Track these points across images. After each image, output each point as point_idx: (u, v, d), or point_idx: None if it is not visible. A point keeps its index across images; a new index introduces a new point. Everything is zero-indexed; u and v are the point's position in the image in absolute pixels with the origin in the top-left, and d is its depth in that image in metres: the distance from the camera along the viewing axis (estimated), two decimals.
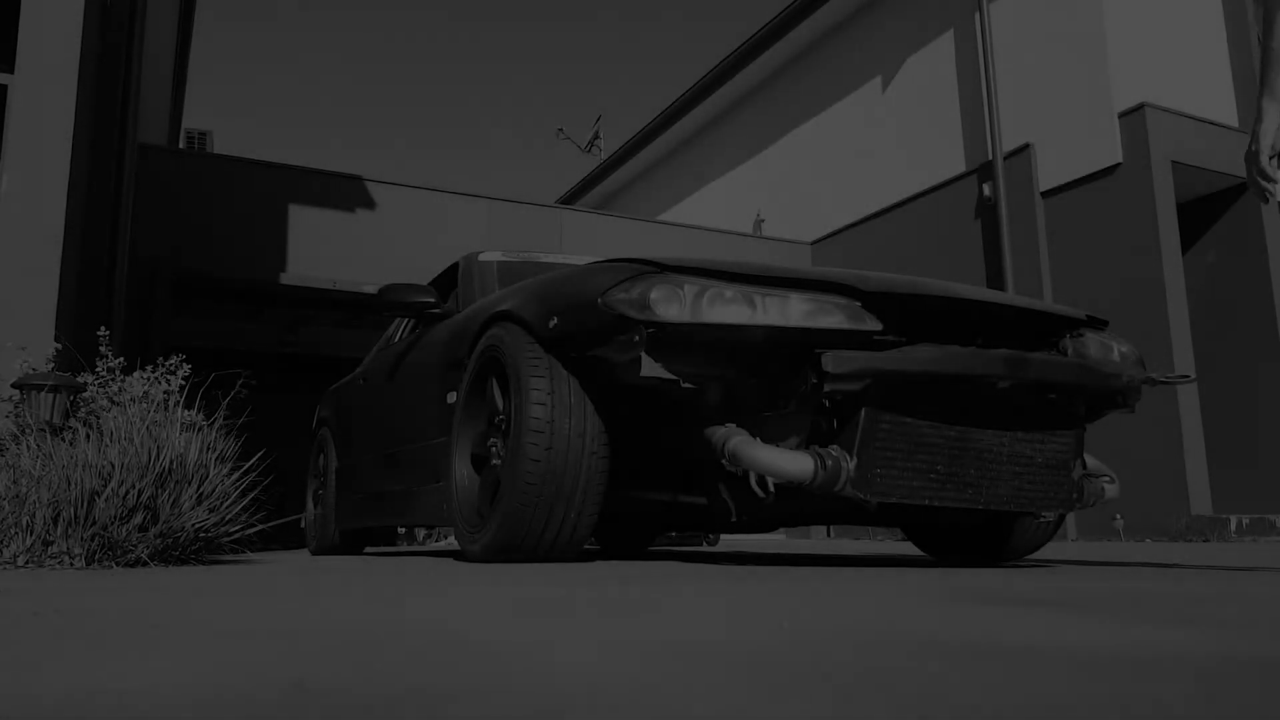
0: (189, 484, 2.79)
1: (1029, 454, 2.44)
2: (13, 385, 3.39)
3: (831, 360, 2.18)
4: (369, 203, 9.17)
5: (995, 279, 9.03)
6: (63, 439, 2.89)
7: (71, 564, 2.55)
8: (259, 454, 3.18)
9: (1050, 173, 8.80)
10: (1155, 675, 0.78)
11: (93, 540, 2.57)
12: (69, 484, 2.58)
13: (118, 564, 2.59)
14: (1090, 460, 2.76)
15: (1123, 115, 8.22)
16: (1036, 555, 3.73)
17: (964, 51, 9.80)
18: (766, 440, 2.37)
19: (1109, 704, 0.66)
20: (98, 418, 3.19)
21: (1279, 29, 2.31)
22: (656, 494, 2.88)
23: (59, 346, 3.83)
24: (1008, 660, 0.85)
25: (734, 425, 2.39)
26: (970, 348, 2.34)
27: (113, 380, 3.49)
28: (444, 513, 3.11)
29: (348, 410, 4.77)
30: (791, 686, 0.72)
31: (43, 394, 3.29)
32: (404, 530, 10.22)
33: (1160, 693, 0.70)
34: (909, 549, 5.18)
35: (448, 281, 4.14)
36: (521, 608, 1.33)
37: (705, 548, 7.52)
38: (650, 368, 2.29)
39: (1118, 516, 7.71)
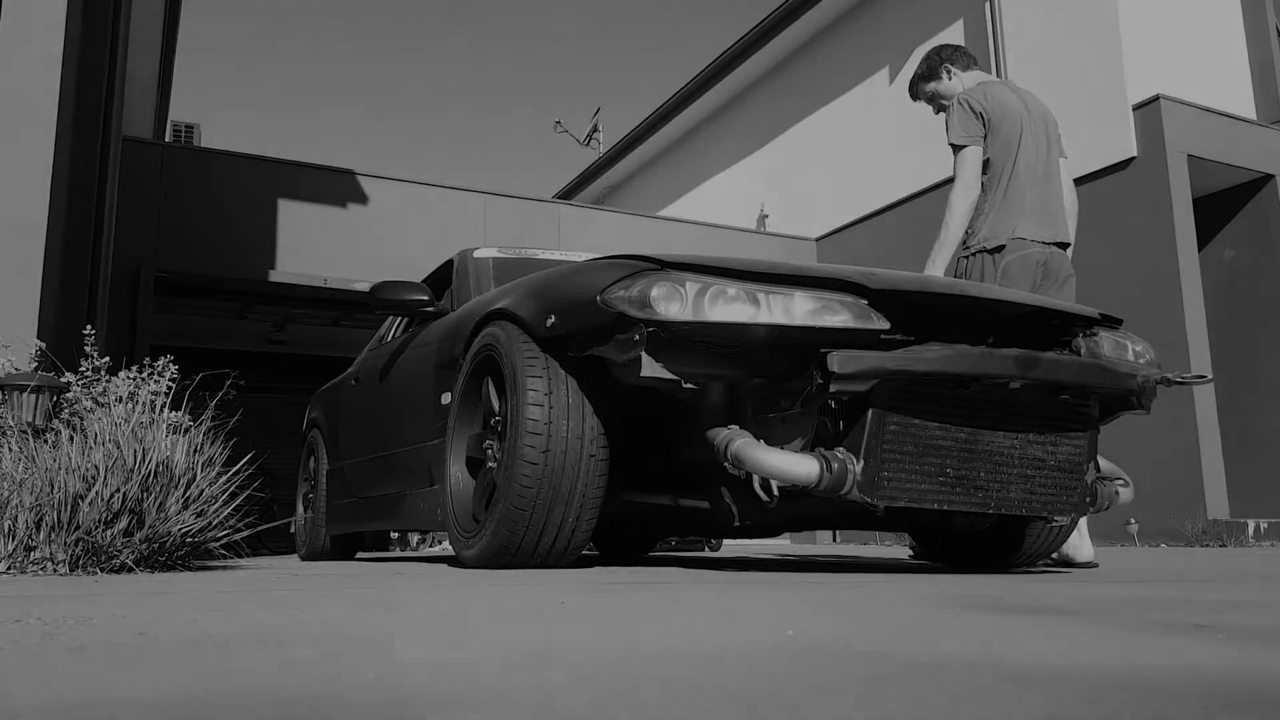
0: (175, 487, 2.79)
1: (1041, 456, 2.44)
2: None
3: (837, 360, 2.18)
4: (361, 198, 9.17)
5: None
6: (45, 441, 2.89)
7: (55, 570, 2.55)
8: (248, 456, 3.18)
9: None
10: (1167, 687, 0.78)
11: (76, 545, 2.57)
12: (52, 487, 2.57)
13: (102, 570, 2.59)
14: (1104, 463, 2.76)
15: (1137, 108, 8.22)
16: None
17: (974, 42, 9.79)
18: (770, 442, 2.37)
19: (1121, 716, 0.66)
20: (81, 419, 3.19)
21: (956, 209, 3.44)
22: (657, 498, 2.88)
23: (41, 345, 3.83)
24: (1018, 674, 0.85)
25: (737, 427, 2.39)
26: (980, 347, 2.34)
27: (97, 381, 3.49)
28: (438, 517, 3.12)
29: (339, 411, 4.77)
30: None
31: (25, 394, 3.29)
32: (397, 535, 10.22)
33: (1172, 707, 0.70)
34: None
35: (442, 279, 4.14)
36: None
37: (707, 553, 7.53)
38: (651, 368, 2.28)
39: (1132, 521, 7.71)
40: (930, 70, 3.74)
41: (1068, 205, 3.62)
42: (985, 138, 3.44)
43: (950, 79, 3.70)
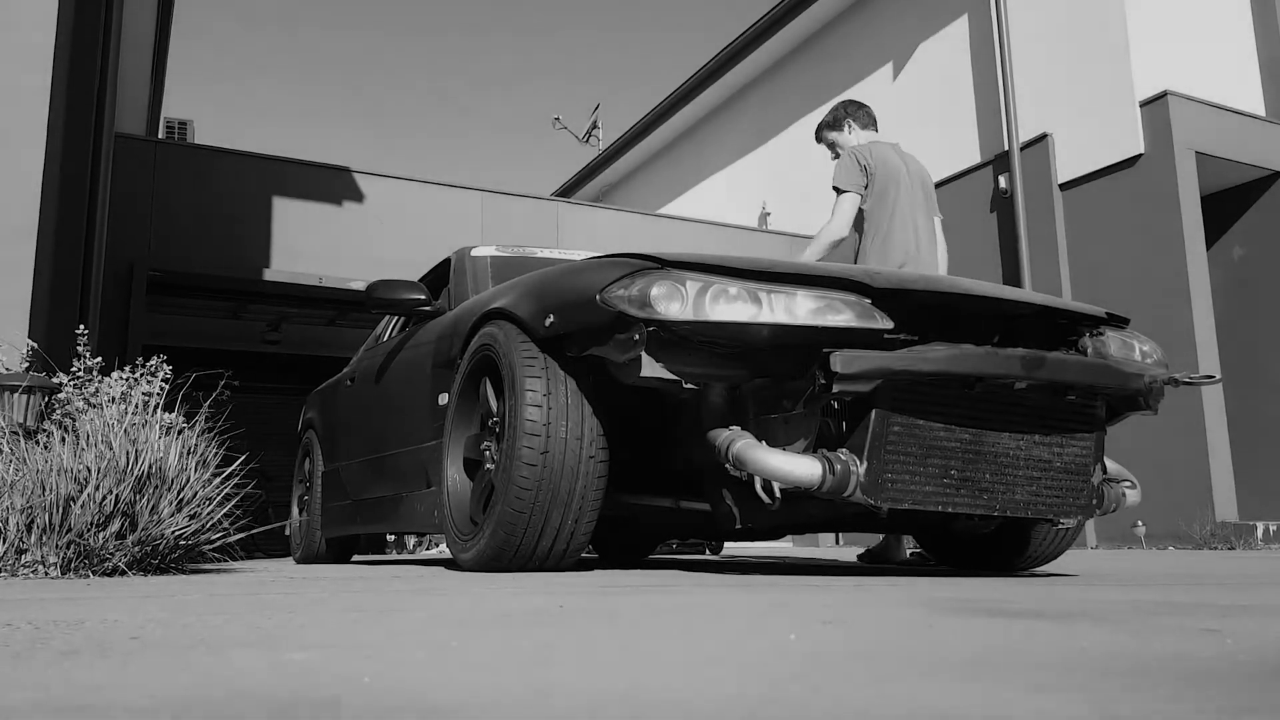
0: (168, 489, 2.79)
1: (1047, 458, 2.44)
2: None
3: (840, 360, 2.18)
4: (357, 195, 9.17)
5: (1011, 275, 9.03)
6: (37, 442, 2.89)
7: (46, 573, 2.55)
8: (242, 458, 3.18)
9: (1069, 164, 8.80)
10: (1174, 692, 0.78)
11: (68, 548, 2.57)
12: (43, 489, 2.57)
13: (94, 573, 2.59)
14: (1110, 464, 2.76)
15: (1144, 104, 8.22)
16: (1054, 564, 3.73)
17: (979, 37, 9.80)
18: (772, 444, 2.37)
19: None
20: (73, 420, 3.19)
21: (821, 241, 3.95)
22: (657, 500, 2.88)
23: (33, 345, 3.83)
24: (1023, 677, 0.85)
25: (738, 428, 2.39)
26: (985, 347, 2.34)
27: (90, 381, 3.49)
28: (435, 519, 3.12)
29: (334, 412, 4.77)
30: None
31: (16, 395, 3.29)
32: (393, 538, 10.22)
33: (1180, 711, 0.70)
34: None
35: (439, 278, 4.15)
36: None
37: (708, 555, 7.53)
38: (651, 368, 2.28)
39: (1139, 523, 7.71)
40: (836, 121, 4.35)
41: (939, 258, 4.17)
42: (866, 188, 4.00)
43: (849, 133, 4.30)
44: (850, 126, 4.30)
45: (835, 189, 4.04)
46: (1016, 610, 1.49)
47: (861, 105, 4.38)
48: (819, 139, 4.44)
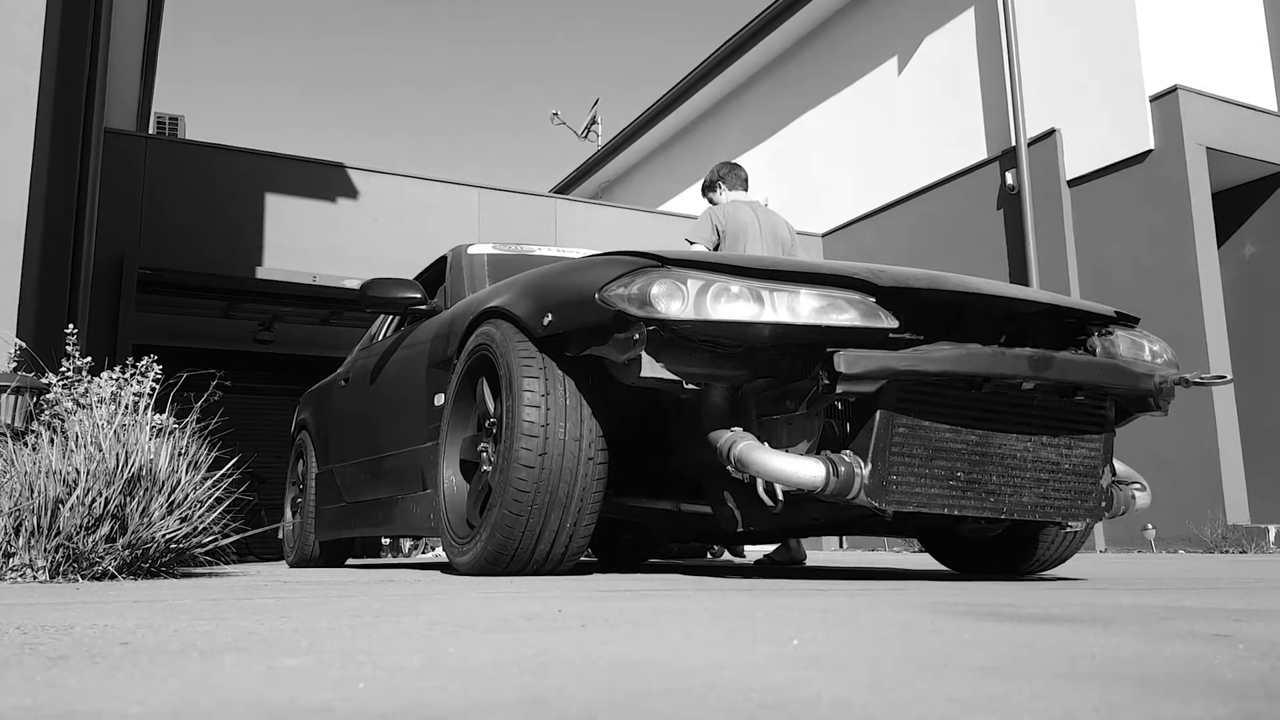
0: (159, 491, 2.78)
1: (1054, 460, 2.44)
2: None
3: (844, 360, 2.18)
4: (352, 192, 9.17)
5: (1019, 273, 9.03)
6: (25, 444, 2.89)
7: (34, 577, 2.55)
8: (234, 460, 3.18)
9: (1077, 160, 8.79)
10: (1187, 699, 0.78)
11: (57, 552, 2.57)
12: (31, 491, 2.57)
13: (84, 577, 2.59)
14: (1120, 466, 2.76)
15: (1154, 99, 8.22)
16: (1062, 567, 3.73)
17: (986, 31, 9.79)
18: (775, 445, 2.37)
19: None
20: (62, 421, 3.19)
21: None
22: (657, 502, 2.89)
23: (21, 344, 3.83)
24: (1030, 682, 0.85)
25: (740, 429, 2.39)
26: (992, 346, 2.34)
27: (79, 381, 3.48)
28: (431, 522, 3.12)
29: (328, 413, 4.77)
30: None
31: (4, 396, 3.29)
32: (389, 541, 10.22)
33: (1192, 719, 0.70)
34: (927, 560, 5.18)
35: (435, 276, 4.15)
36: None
37: (709, 559, 7.52)
38: (651, 368, 2.29)
39: (1149, 526, 7.71)
40: (712, 183, 5.10)
41: None
42: (717, 246, 4.71)
43: (719, 194, 5.05)
44: (721, 188, 5.04)
45: (687, 240, 4.81)
46: (1023, 615, 1.49)
47: (735, 168, 5.13)
48: (703, 193, 5.17)
